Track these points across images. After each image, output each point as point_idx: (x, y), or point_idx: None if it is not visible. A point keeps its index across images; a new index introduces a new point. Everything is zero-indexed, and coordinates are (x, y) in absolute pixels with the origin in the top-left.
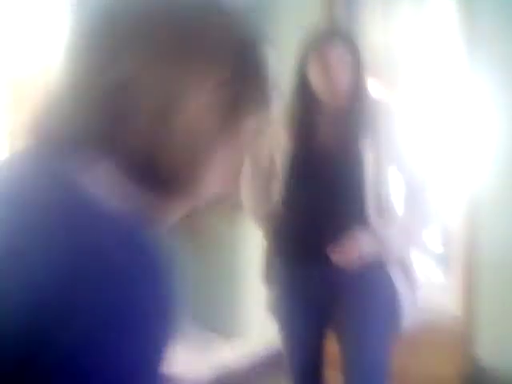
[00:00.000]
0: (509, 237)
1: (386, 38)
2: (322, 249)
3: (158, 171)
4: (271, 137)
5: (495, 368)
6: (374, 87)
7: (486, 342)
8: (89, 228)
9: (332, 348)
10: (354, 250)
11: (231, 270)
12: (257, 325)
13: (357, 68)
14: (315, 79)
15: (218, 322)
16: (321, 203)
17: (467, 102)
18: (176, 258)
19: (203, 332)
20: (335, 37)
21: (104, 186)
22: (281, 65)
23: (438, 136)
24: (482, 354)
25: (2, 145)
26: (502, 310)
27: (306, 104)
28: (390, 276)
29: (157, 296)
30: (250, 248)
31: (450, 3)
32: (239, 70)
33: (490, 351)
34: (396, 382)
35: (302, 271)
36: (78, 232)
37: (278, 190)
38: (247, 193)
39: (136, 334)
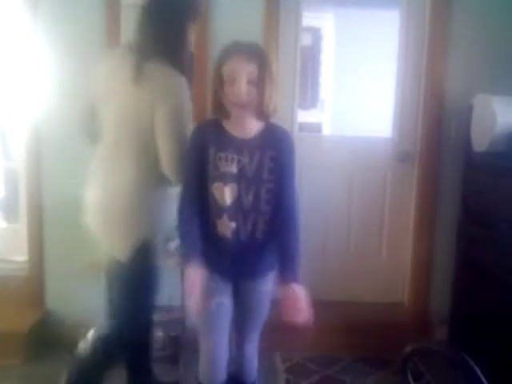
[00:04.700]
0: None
1: None
2: None
3: None
4: None
5: (61, 314)
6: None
7: (53, 287)
8: None
9: None
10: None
11: None
12: None
13: (262, 80)
14: (225, 91)
15: None
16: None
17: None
18: None
19: None
20: (243, 52)
21: None
22: None
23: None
24: (50, 301)
25: None
26: (65, 255)
27: (219, 110)
28: None
29: None
30: None
31: None
32: None
33: (57, 297)
34: None
35: None
36: None
37: None
38: None
39: None
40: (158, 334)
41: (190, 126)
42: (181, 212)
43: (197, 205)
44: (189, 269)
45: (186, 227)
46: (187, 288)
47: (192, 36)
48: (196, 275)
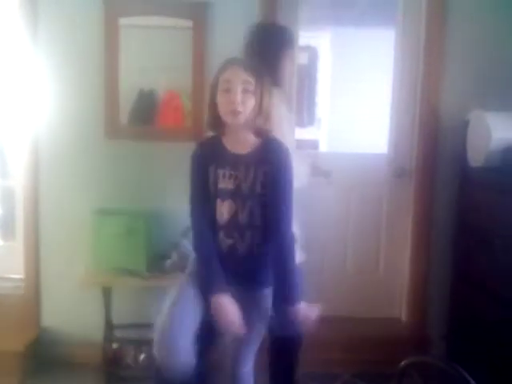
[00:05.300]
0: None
1: None
2: None
3: None
4: None
5: (57, 332)
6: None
7: (49, 306)
8: None
9: None
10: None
11: None
12: None
13: (259, 92)
14: (219, 101)
15: None
16: None
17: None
18: None
19: None
20: (240, 64)
21: None
22: None
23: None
24: (46, 319)
25: None
26: (61, 273)
27: (215, 124)
28: None
29: None
30: None
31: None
32: None
33: (53, 315)
34: None
35: None
36: None
37: None
38: None
39: None
40: (143, 354)
41: (292, 136)
42: (197, 233)
43: (206, 221)
44: (215, 297)
45: (204, 251)
46: (221, 318)
47: (289, 60)
48: (225, 302)
